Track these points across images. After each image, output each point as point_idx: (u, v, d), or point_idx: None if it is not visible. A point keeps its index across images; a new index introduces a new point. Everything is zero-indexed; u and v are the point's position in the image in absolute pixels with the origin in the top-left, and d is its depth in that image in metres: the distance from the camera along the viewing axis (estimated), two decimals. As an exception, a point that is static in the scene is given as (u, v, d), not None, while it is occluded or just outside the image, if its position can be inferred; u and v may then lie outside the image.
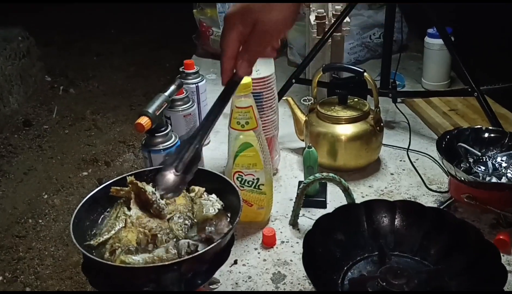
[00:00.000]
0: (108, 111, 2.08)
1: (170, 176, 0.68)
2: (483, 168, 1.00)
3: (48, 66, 2.40)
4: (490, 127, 1.07)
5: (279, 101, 1.19)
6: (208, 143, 1.32)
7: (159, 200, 0.79)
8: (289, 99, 1.22)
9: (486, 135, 1.04)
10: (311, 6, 1.36)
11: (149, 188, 0.80)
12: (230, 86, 0.67)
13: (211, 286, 0.84)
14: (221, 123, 1.42)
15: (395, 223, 0.84)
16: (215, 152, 1.27)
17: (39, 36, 2.46)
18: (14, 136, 1.87)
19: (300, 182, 1.09)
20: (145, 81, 2.38)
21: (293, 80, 1.32)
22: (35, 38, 2.41)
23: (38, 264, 1.39)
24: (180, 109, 1.10)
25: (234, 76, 0.65)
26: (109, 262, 0.69)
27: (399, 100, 1.39)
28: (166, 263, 0.67)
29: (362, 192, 1.09)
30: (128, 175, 0.81)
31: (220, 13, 1.27)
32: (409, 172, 1.15)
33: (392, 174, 1.15)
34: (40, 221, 1.52)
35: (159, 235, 0.75)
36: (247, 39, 0.61)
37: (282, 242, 0.95)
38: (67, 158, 1.78)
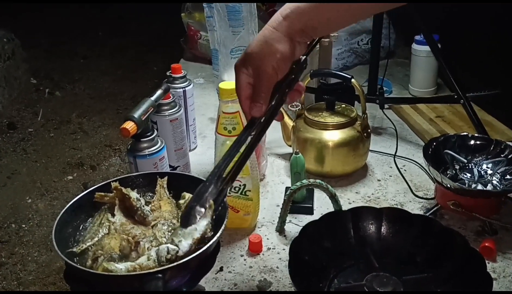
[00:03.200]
0: (94, 114, 2.05)
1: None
2: (469, 175, 1.00)
3: (33, 68, 2.37)
4: (476, 134, 1.08)
5: (266, 106, 1.18)
6: (195, 148, 1.31)
7: (143, 206, 0.78)
8: (277, 104, 1.22)
9: (472, 142, 1.05)
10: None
11: (133, 194, 0.79)
12: (249, 125, 0.70)
13: None
14: (208, 128, 1.42)
15: (382, 230, 0.84)
16: (202, 157, 1.26)
17: (25, 38, 2.43)
18: (-2, 139, 1.84)
19: (287, 188, 1.09)
20: (132, 85, 2.36)
21: (281, 86, 1.31)
22: (20, 40, 2.37)
23: (21, 270, 1.36)
24: (166, 114, 1.09)
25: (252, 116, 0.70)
26: (91, 270, 0.67)
27: (386, 106, 1.40)
28: (150, 271, 0.65)
29: (349, 198, 1.09)
30: (112, 181, 0.80)
31: (208, 18, 1.26)
32: (396, 179, 1.15)
33: (379, 180, 1.15)
34: (24, 226, 1.50)
35: (141, 243, 0.74)
36: (254, 83, 0.68)
37: (269, 248, 0.94)
38: (52, 162, 1.76)
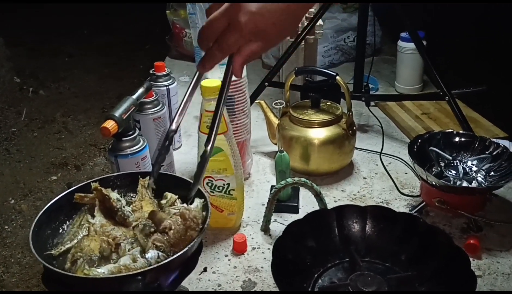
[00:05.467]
0: (79, 113, 2.03)
1: None
2: (454, 172, 1.00)
3: (17, 67, 2.33)
4: (461, 131, 1.08)
5: (251, 104, 1.17)
6: (179, 147, 1.30)
7: (124, 207, 0.76)
8: (262, 102, 1.21)
9: (457, 139, 1.04)
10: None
11: (114, 195, 0.77)
12: None
13: (179, 295, 0.82)
14: (193, 127, 1.40)
15: (366, 228, 0.83)
16: (186, 156, 1.25)
17: (8, 36, 2.39)
18: (-20, 140, 1.81)
19: (272, 187, 1.08)
20: (118, 83, 2.33)
21: (266, 83, 1.30)
22: (4, 38, 2.33)
23: (4, 272, 1.34)
24: (149, 112, 1.07)
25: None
26: (69, 273, 0.66)
27: (372, 103, 1.39)
28: (130, 273, 0.64)
29: (335, 196, 1.08)
30: (92, 181, 0.79)
31: (191, 14, 1.25)
32: (382, 176, 1.15)
33: (365, 178, 1.15)
34: (6, 227, 1.47)
35: (122, 244, 0.73)
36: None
37: (253, 248, 0.93)
38: (35, 162, 1.73)
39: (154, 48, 2.60)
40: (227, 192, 0.93)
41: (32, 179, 1.68)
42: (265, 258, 0.91)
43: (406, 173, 1.15)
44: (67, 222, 0.78)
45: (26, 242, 1.44)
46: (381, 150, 1.25)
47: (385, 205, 1.03)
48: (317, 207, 0.96)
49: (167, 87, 1.19)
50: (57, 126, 1.95)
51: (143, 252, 0.71)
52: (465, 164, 1.01)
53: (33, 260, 1.38)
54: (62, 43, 2.81)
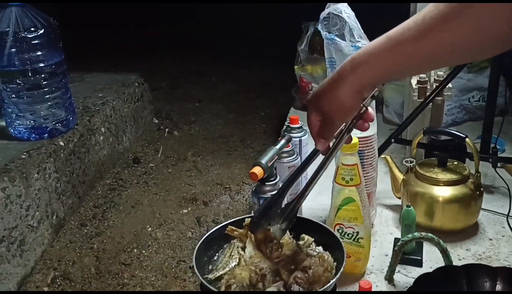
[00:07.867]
0: (207, 154, 2.23)
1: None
2: None
3: (156, 109, 2.63)
4: None
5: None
6: (306, 193, 1.39)
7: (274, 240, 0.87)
8: (388, 157, 1.28)
9: None
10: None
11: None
12: (312, 153, 0.83)
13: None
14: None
15: (496, 289, 0.85)
16: (311, 203, 1.34)
17: (149, 82, 2.71)
18: (125, 172, 2.06)
19: (396, 239, 1.13)
20: (241, 128, 2.52)
21: (392, 140, 1.37)
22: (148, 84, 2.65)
23: (139, 292, 1.48)
24: (285, 161, 1.19)
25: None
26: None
27: (498, 164, 1.38)
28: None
29: (459, 255, 1.10)
30: (246, 217, 0.91)
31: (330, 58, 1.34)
32: (509, 239, 1.14)
33: (490, 239, 1.15)
34: (144, 251, 1.65)
35: (268, 276, 0.83)
36: (321, 122, 0.77)
37: (378, 295, 0.99)
38: (169, 195, 1.93)
39: (276, 97, 2.79)
40: (356, 240, 1.01)
41: (166, 210, 1.87)
42: (389, 306, 0.96)
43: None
44: (218, 252, 0.91)
45: (160, 267, 1.61)
46: (508, 212, 1.24)
47: (513, 268, 1.03)
48: (440, 263, 0.99)
49: (300, 138, 1.30)
50: (188, 164, 2.16)
51: (285, 285, 0.81)
52: None
53: (164, 284, 1.52)
54: (193, 88, 3.10)
